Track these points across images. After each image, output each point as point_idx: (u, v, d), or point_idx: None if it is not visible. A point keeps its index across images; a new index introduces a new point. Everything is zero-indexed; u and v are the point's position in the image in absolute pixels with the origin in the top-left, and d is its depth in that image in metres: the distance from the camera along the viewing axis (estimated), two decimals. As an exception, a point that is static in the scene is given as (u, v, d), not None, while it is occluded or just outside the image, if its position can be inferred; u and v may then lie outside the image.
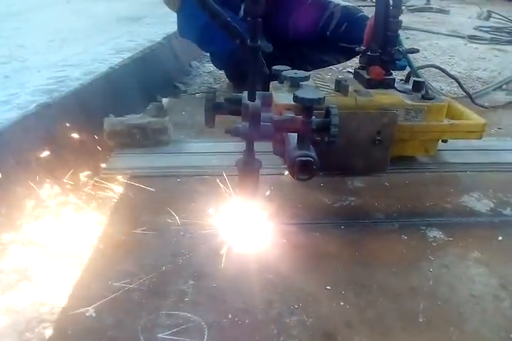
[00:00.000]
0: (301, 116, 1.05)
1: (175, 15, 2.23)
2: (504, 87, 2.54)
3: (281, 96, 1.35)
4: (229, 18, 0.91)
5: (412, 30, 4.27)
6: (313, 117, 1.04)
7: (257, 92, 0.99)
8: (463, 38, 3.95)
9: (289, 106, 1.21)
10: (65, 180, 1.36)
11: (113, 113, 1.57)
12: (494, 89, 2.49)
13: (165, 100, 1.71)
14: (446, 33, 4.18)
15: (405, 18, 4.63)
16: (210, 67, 2.91)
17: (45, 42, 2.38)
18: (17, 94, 1.45)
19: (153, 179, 1.41)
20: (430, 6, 5.52)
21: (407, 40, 3.88)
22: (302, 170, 1.04)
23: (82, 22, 3.07)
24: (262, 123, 0.99)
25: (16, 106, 1.34)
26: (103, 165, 1.48)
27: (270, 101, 1.15)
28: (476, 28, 4.30)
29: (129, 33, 2.67)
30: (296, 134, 1.08)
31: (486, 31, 4.16)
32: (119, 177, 1.42)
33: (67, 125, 1.44)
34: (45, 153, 1.32)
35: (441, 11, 5.40)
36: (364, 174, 1.45)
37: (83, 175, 1.43)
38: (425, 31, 4.23)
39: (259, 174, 1.05)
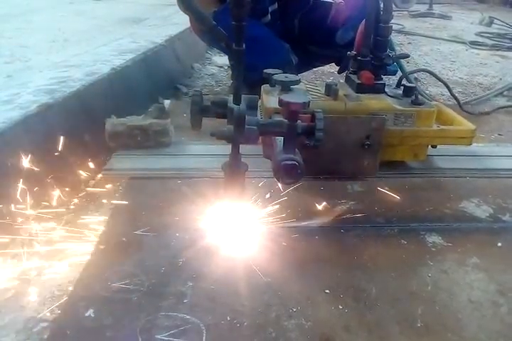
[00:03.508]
0: (287, 120, 1.05)
1: (176, 17, 2.24)
2: (505, 93, 2.55)
3: (271, 100, 1.34)
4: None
5: (414, 35, 4.29)
6: (299, 121, 1.04)
7: (243, 96, 0.99)
8: (464, 43, 3.96)
9: (277, 109, 1.21)
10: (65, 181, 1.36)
11: (115, 114, 1.58)
12: (495, 95, 2.50)
13: (167, 102, 1.72)
14: (447, 38, 4.20)
15: (407, 23, 4.72)
16: (212, 69, 2.92)
17: (47, 42, 2.39)
18: (19, 94, 1.45)
19: (154, 180, 1.42)
20: (432, 11, 5.55)
21: (408, 45, 3.90)
22: (287, 174, 1.04)
23: (84, 23, 3.08)
24: (247, 126, 0.99)
25: (18, 105, 1.35)
26: (104, 166, 1.48)
27: (256, 105, 1.13)
28: (478, 34, 4.31)
29: (132, 34, 2.68)
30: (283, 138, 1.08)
31: (488, 37, 4.18)
32: (120, 179, 1.42)
33: (69, 125, 1.45)
34: (46, 154, 1.32)
35: (443, 16, 5.42)
36: (353, 178, 1.45)
37: (84, 176, 1.43)
38: (427, 36, 4.25)
39: (244, 177, 1.05)
